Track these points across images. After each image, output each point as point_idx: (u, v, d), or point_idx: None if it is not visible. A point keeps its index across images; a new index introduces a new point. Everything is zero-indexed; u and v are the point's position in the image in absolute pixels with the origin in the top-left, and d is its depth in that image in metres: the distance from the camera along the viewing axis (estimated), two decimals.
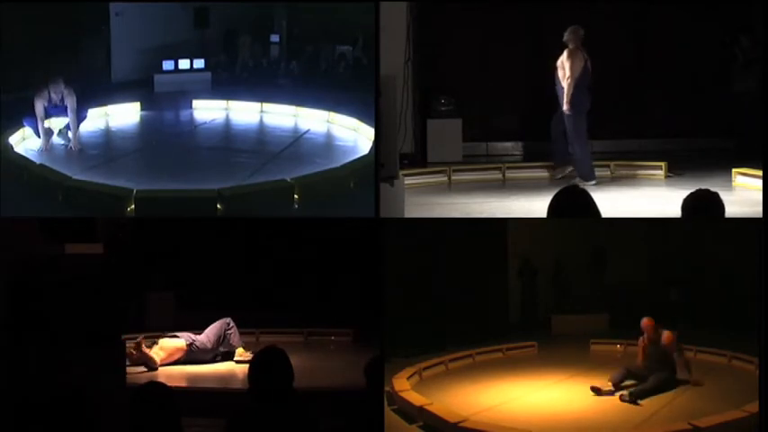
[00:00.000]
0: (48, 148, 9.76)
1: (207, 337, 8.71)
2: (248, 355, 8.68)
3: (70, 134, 9.87)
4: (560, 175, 11.32)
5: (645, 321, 8.13)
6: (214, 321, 8.85)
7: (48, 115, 9.78)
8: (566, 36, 11.01)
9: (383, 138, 8.39)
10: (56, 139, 9.93)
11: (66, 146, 9.88)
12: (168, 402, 4.69)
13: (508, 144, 13.34)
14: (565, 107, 10.93)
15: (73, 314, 6.76)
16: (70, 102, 9.77)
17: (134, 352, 8.23)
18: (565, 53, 10.99)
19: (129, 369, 7.59)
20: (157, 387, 4.83)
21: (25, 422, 5.69)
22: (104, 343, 6.54)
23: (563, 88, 10.96)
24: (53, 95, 9.73)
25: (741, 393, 7.17)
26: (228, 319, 8.83)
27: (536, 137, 12.28)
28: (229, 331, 8.78)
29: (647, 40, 13.22)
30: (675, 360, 7.90)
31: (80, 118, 9.97)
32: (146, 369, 8.26)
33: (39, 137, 9.82)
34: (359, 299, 9.25)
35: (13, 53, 11.00)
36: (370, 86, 8.81)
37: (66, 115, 9.82)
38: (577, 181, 10.95)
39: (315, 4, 13.69)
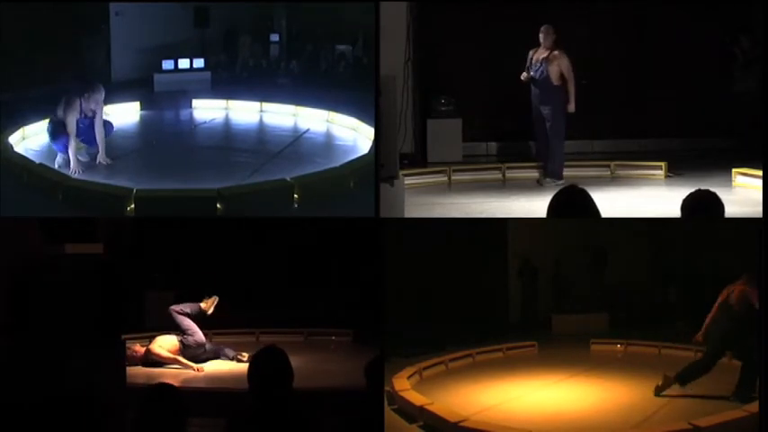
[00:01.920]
0: (79, 171, 8.87)
1: (189, 328, 8.63)
2: (212, 301, 8.80)
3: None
4: (546, 184, 11.12)
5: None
6: (214, 321, 8.86)
7: (78, 131, 8.89)
8: (545, 39, 10.96)
9: (383, 138, 8.38)
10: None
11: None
12: (178, 405, 4.66)
13: (508, 144, 13.33)
14: (571, 106, 10.91)
15: (73, 314, 6.76)
16: (100, 111, 9.06)
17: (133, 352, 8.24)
18: (556, 53, 10.93)
19: (130, 369, 7.59)
20: (167, 389, 4.80)
21: (25, 423, 5.68)
22: (104, 343, 6.55)
23: (557, 89, 10.93)
24: (85, 106, 8.93)
25: None
26: (175, 306, 8.73)
27: (536, 137, 12.27)
28: (186, 309, 8.71)
29: (647, 40, 13.21)
30: None
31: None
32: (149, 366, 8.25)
33: (67, 157, 8.92)
34: (359, 299, 9.25)
35: (13, 53, 11.00)
36: (370, 86, 8.79)
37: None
38: (548, 181, 10.94)
39: (315, 4, 13.69)
